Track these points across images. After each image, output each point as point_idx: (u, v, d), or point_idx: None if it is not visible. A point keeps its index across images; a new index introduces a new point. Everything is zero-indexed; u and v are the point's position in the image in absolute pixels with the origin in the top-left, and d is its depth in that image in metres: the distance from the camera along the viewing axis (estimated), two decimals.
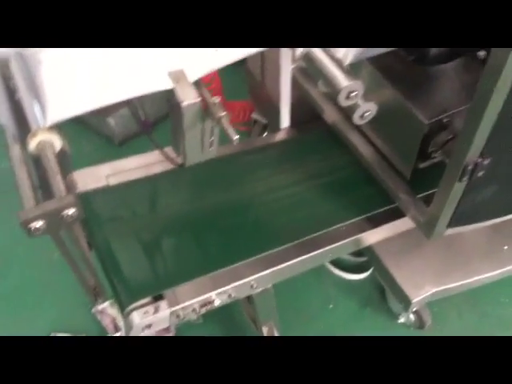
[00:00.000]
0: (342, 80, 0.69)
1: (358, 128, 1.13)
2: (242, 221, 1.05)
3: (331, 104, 1.20)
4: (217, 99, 0.69)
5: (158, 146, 0.94)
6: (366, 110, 0.74)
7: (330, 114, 1.19)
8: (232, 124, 0.71)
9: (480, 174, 0.84)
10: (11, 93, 0.70)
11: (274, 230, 1.04)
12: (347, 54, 0.87)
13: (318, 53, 0.73)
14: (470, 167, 0.82)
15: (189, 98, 0.68)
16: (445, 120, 0.93)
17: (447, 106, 0.93)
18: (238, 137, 0.68)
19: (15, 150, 0.61)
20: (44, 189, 0.60)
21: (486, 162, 0.82)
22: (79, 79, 0.67)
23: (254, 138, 1.68)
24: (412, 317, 1.37)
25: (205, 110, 0.71)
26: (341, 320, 1.42)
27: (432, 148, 0.99)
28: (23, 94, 0.68)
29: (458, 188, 0.87)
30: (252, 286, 0.97)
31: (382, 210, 1.10)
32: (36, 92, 0.68)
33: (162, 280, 0.92)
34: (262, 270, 0.97)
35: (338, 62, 0.72)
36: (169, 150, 1.14)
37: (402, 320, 1.39)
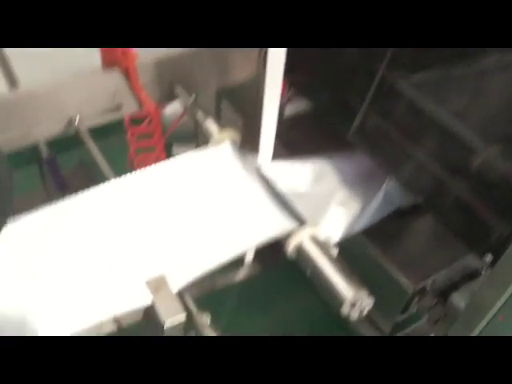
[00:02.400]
0: (347, 290, 0.62)
1: None
2: None
3: None
4: (207, 317, 0.60)
5: None
6: (365, 306, 0.67)
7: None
8: None
9: None
10: None
11: None
12: (335, 232, 0.81)
13: (311, 249, 0.66)
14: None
15: (172, 314, 0.58)
16: (428, 285, 0.88)
17: (430, 269, 0.89)
18: None
19: None
20: None
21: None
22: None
23: None
24: None
25: (189, 322, 0.61)
26: None
27: (412, 307, 0.94)
28: None
29: None
30: None
31: None
32: None
33: None
34: None
35: (337, 263, 0.65)
36: None
37: None
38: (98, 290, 0.59)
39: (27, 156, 1.01)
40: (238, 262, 1.18)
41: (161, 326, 0.58)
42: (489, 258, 0.68)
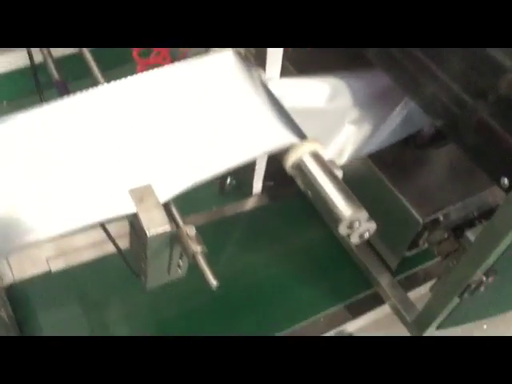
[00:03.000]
0: (344, 209, 0.57)
1: None
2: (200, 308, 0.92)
3: None
4: (193, 229, 0.56)
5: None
6: (365, 230, 0.63)
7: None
8: None
9: (482, 289, 0.75)
10: None
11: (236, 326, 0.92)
12: (342, 153, 0.76)
13: (311, 164, 0.61)
14: (473, 285, 0.73)
15: (156, 224, 0.55)
16: (440, 217, 0.83)
17: (443, 202, 0.83)
18: (216, 284, 0.54)
19: None
20: None
21: (491, 279, 0.73)
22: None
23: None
24: None
25: (173, 235, 0.57)
26: None
27: (422, 241, 0.89)
28: None
29: (456, 300, 0.78)
30: None
31: (360, 296, 1.01)
32: None
33: None
34: None
35: (337, 181, 0.60)
36: None
37: None
38: (83, 194, 0.56)
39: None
40: (246, 192, 1.15)
41: (144, 237, 0.55)
42: (506, 183, 0.62)
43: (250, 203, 1.14)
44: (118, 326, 0.87)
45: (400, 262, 0.97)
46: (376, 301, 1.00)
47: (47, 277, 0.88)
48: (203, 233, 1.02)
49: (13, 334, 0.80)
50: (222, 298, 0.94)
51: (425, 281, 1.04)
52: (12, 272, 0.88)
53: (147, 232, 0.54)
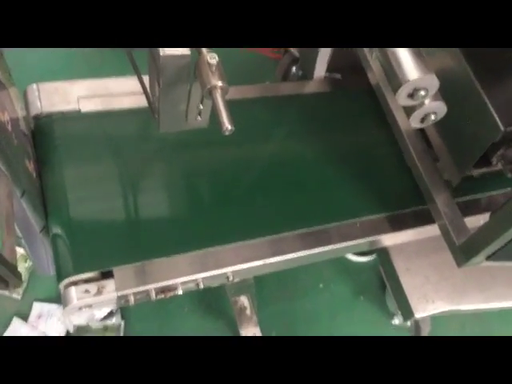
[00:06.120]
0: (410, 71, 0.45)
1: None
2: (237, 192, 0.84)
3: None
4: (215, 58, 0.46)
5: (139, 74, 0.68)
6: (431, 111, 0.50)
7: (377, 75, 0.94)
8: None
9: None
10: None
11: (273, 211, 0.83)
12: None
13: None
14: None
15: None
16: None
17: None
18: (230, 128, 0.44)
19: None
20: None
21: None
22: None
23: (280, 69, 1.42)
24: (409, 322, 1.20)
25: (197, 69, 0.47)
26: (328, 303, 1.25)
27: (496, 158, 0.75)
28: None
29: None
30: (228, 278, 0.78)
31: (408, 210, 0.89)
32: None
33: (116, 253, 0.73)
34: (245, 261, 0.78)
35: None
36: None
37: (396, 322, 1.22)
38: None
39: None
40: (308, 71, 1.03)
41: (158, 59, 0.46)
42: None
43: (309, 87, 1.01)
44: (134, 174, 0.81)
45: (463, 183, 0.84)
46: (422, 219, 0.88)
47: (75, 115, 0.82)
48: (253, 106, 0.94)
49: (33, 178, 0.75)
50: (258, 178, 0.86)
51: (484, 211, 0.91)
52: (41, 103, 0.83)
53: (161, 52, 0.44)
